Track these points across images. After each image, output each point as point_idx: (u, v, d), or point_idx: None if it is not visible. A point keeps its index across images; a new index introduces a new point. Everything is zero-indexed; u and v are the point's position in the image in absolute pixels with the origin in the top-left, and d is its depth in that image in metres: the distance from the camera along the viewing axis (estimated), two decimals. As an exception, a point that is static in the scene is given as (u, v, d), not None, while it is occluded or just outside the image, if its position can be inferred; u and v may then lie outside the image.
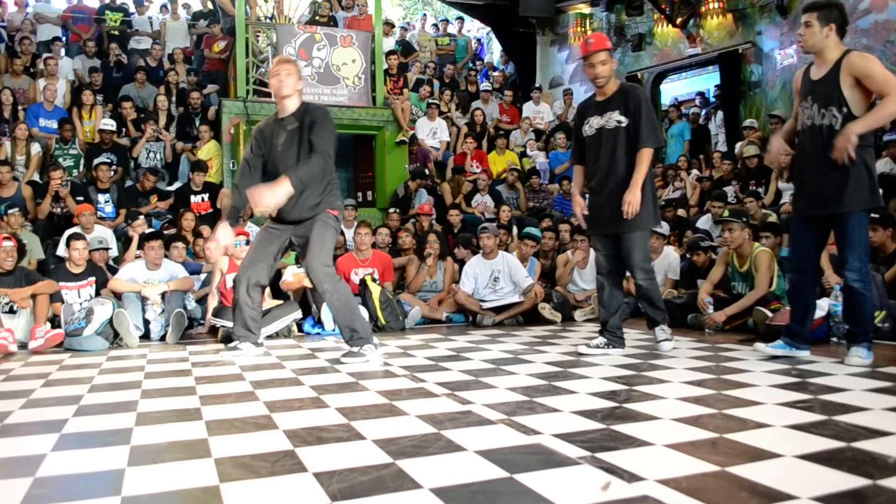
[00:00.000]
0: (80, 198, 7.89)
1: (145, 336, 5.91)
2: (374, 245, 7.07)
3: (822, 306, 4.76)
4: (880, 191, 3.90)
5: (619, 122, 4.40)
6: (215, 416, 3.01)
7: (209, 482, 2.14)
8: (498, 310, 6.54)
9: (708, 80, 11.66)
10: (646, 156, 4.34)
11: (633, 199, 4.27)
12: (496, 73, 13.71)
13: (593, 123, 4.53)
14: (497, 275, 6.66)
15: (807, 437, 2.41)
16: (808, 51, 3.96)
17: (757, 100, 10.38)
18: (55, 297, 5.94)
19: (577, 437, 2.47)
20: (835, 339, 4.70)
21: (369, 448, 2.43)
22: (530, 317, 6.60)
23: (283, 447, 2.48)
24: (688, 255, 6.91)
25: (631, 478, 2.04)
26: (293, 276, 6.34)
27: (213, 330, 5.96)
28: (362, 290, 6.32)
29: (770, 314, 5.07)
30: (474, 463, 2.23)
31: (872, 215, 5.72)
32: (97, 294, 6.19)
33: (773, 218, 7.32)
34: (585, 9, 13.16)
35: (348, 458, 2.31)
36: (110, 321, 5.46)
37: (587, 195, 4.74)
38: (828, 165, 3.81)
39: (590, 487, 1.98)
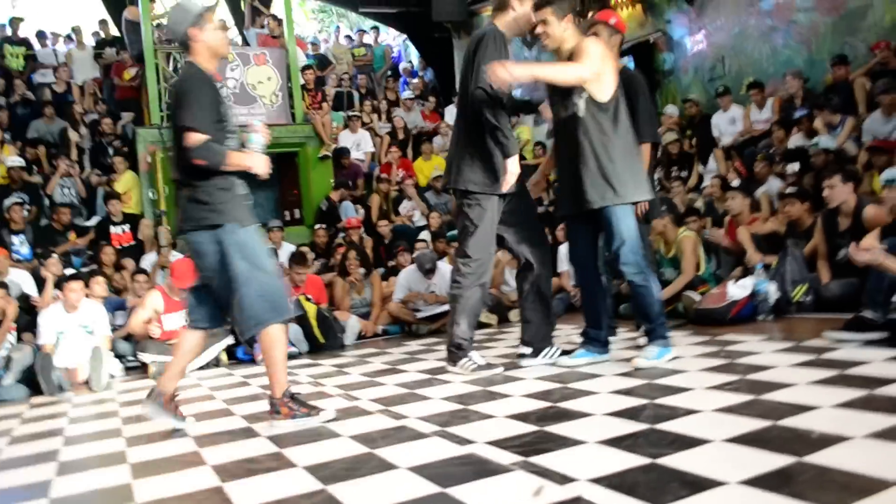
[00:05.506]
0: (-6, 238, 7.59)
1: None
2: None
3: (746, 285, 4.86)
4: (650, 182, 3.80)
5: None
6: (141, 457, 2.90)
7: (131, 531, 2.05)
8: (433, 318, 6.50)
9: (623, 72, 11.87)
10: None
11: None
12: (415, 81, 13.70)
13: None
14: (433, 289, 6.62)
15: (735, 420, 2.43)
16: (553, 49, 3.74)
17: (672, 87, 10.58)
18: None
19: (510, 443, 2.45)
20: (761, 317, 4.80)
21: (300, 476, 2.37)
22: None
23: (211, 484, 2.40)
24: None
25: (563, 479, 2.02)
26: None
27: (145, 366, 5.74)
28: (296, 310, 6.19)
29: (698, 298, 5.14)
30: (407, 480, 2.19)
31: (789, 189, 5.91)
32: (19, 339, 5.92)
33: (699, 202, 7.47)
34: (498, 9, 13.20)
35: (278, 489, 2.24)
36: (30, 367, 5.21)
37: None
38: (575, 161, 3.62)
39: (522, 494, 1.95)
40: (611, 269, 4.19)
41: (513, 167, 3.76)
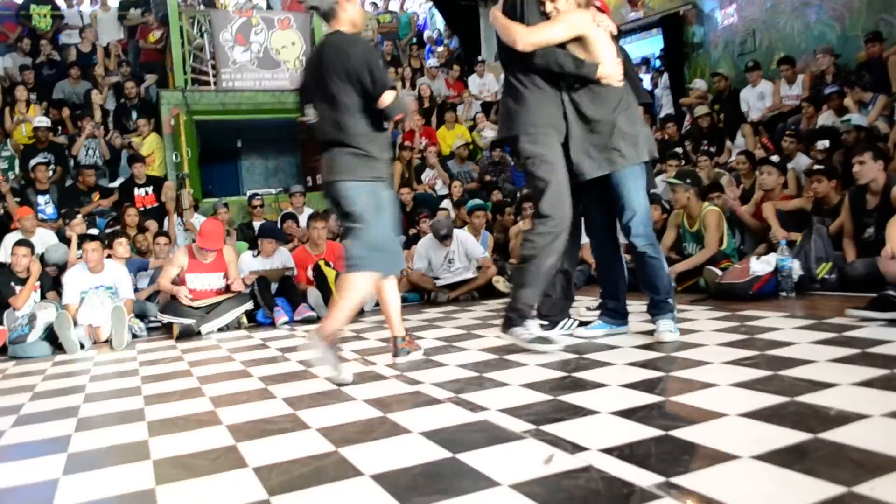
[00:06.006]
0: (18, 199, 7.66)
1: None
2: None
3: (770, 261, 4.80)
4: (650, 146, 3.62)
5: None
6: (158, 415, 2.93)
7: (145, 486, 2.07)
8: (452, 286, 6.51)
9: (652, 44, 11.68)
10: None
11: None
12: (440, 48, 13.57)
13: None
14: (452, 256, 6.61)
15: (751, 395, 2.40)
16: None
17: (701, 60, 10.43)
18: (5, 292, 5.75)
19: (523, 411, 2.44)
20: (783, 294, 4.74)
21: (313, 437, 2.38)
22: (485, 291, 6.57)
23: (225, 443, 2.42)
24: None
25: (574, 448, 2.01)
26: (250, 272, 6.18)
27: (166, 326, 5.80)
28: (317, 275, 6.23)
29: (720, 273, 5.09)
30: (418, 445, 2.19)
31: (817, 166, 5.81)
32: (42, 297, 6.01)
33: (725, 177, 7.37)
34: (527, -22, 13.03)
35: (291, 450, 2.25)
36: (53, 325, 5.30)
37: None
38: (596, 121, 3.52)
39: (532, 462, 1.94)
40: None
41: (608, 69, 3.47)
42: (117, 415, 3.04)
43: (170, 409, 3.05)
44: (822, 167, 5.71)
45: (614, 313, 3.88)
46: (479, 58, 12.84)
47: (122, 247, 6.52)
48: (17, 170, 8.53)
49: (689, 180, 5.63)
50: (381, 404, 2.74)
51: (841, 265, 4.97)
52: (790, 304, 4.49)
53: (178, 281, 5.87)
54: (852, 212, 5.16)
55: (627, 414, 2.30)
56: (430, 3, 14.94)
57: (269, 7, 11.05)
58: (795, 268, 4.81)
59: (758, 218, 6.07)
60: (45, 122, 8.70)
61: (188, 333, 5.49)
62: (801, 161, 6.91)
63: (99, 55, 10.74)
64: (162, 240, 7.02)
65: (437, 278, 6.61)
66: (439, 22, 15.20)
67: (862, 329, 3.40)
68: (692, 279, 5.48)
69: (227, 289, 6.02)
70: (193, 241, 6.42)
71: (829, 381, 2.48)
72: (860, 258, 4.94)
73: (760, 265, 4.79)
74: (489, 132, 10.51)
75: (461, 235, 6.74)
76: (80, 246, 6.13)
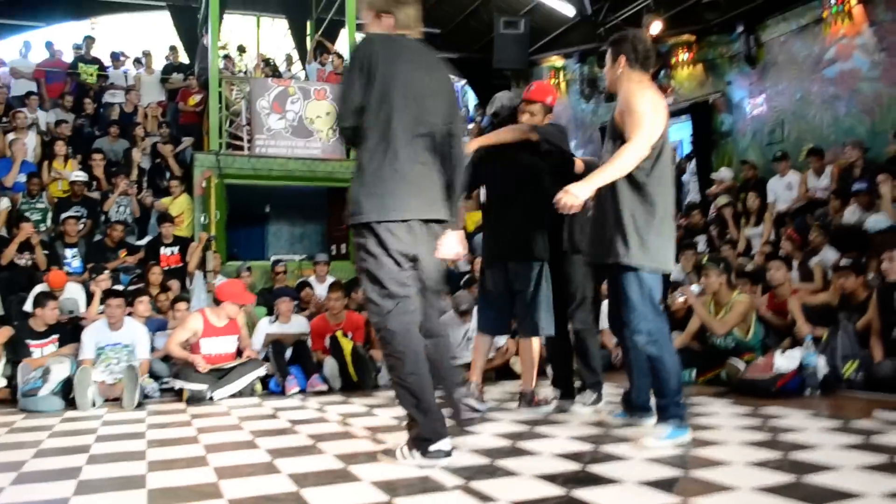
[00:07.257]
0: (46, 251, 7.75)
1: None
2: (346, 306, 6.86)
3: (794, 357, 4.68)
4: (664, 252, 3.37)
5: None
6: (160, 483, 2.87)
7: (138, 562, 2.00)
8: (469, 366, 6.40)
9: (681, 131, 11.76)
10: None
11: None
12: (471, 126, 13.77)
13: None
14: (470, 335, 6.52)
15: (774, 501, 2.30)
16: (611, 90, 3.59)
17: (728, 148, 10.46)
18: (21, 352, 5.74)
19: (533, 505, 2.35)
20: (808, 392, 4.61)
21: (315, 520, 2.30)
22: (502, 372, 6.46)
23: (225, 520, 2.35)
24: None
25: (585, 552, 1.92)
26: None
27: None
28: (333, 346, 6.17)
29: (743, 367, 4.98)
30: (422, 536, 2.11)
31: (844, 262, 5.72)
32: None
33: (749, 266, 7.29)
34: (558, 61, 13.31)
35: (290, 532, 2.18)
36: (67, 380, 5.26)
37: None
38: (603, 208, 3.41)
39: (540, 563, 1.86)
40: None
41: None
42: (118, 480, 2.98)
43: (172, 477, 2.98)
44: (849, 262, 5.64)
45: (635, 405, 3.76)
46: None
47: (143, 305, 6.52)
48: (48, 222, 8.65)
49: (722, 265, 5.55)
50: (388, 488, 2.65)
51: (868, 364, 4.85)
52: (815, 403, 4.36)
53: (192, 347, 5.80)
54: (881, 309, 5.05)
55: (642, 515, 2.21)
56: (464, 81, 15.24)
57: (306, 78, 11.31)
58: (821, 365, 4.70)
59: (772, 309, 5.96)
60: (81, 176, 8.86)
61: (199, 399, 5.42)
62: (828, 255, 6.81)
63: (140, 116, 11.02)
64: (181, 305, 6.91)
65: (454, 357, 6.51)
66: (471, 100, 15.46)
67: (890, 434, 3.28)
68: (714, 370, 5.36)
69: (239, 352, 5.97)
70: (216, 301, 6.31)
71: (856, 490, 2.38)
72: (888, 357, 4.82)
73: (785, 361, 4.67)
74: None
75: (481, 315, 6.66)
76: (102, 301, 6.13)
